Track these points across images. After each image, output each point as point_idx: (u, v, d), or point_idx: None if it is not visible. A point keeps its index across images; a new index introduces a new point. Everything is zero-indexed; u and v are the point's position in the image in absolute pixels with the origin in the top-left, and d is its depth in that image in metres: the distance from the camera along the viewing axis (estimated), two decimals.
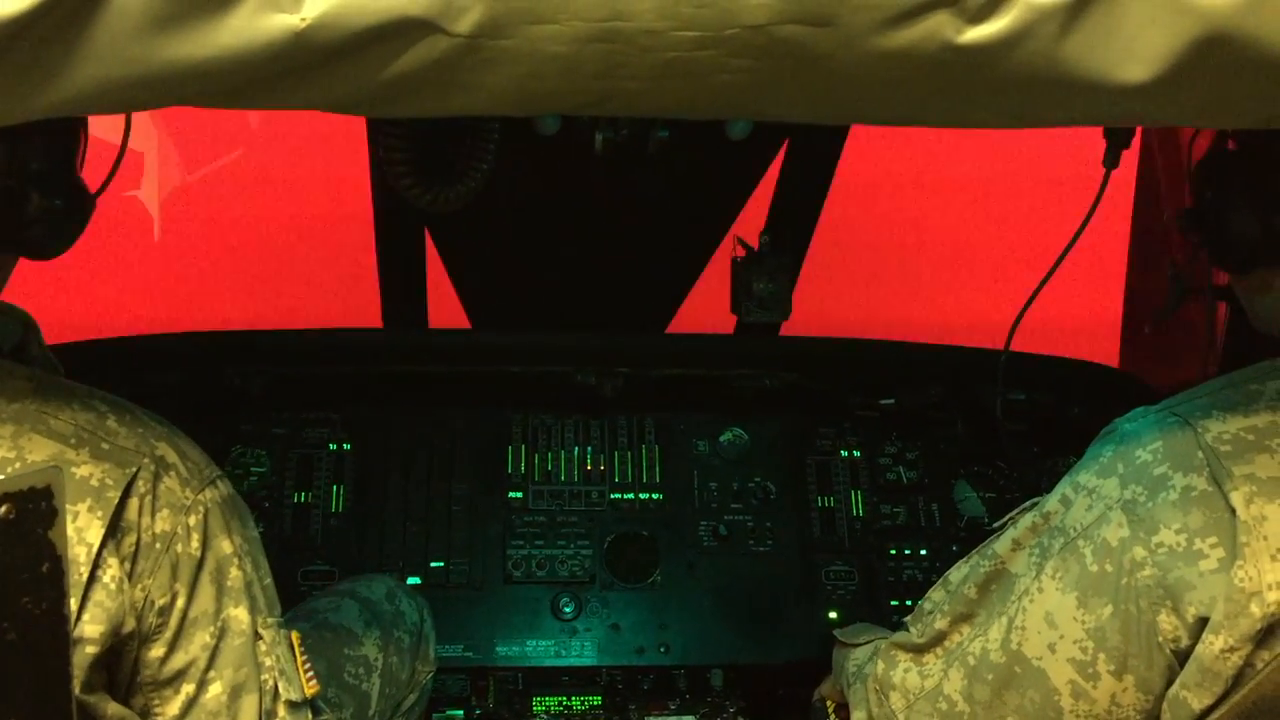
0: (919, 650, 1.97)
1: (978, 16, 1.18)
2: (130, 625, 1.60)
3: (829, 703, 2.56)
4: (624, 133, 2.44)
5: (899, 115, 1.36)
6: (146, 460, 1.62)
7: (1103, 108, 1.31)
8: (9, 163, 1.60)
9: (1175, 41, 1.20)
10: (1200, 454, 1.61)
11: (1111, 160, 1.99)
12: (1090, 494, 1.72)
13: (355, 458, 3.16)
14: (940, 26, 1.18)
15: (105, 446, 1.60)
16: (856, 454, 3.30)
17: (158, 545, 1.62)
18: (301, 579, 3.01)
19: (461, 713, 2.98)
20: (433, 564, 3.08)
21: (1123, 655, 1.66)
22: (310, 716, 1.82)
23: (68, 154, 1.71)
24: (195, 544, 1.67)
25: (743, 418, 3.30)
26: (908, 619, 2.08)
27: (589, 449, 3.25)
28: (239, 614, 1.73)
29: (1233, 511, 1.56)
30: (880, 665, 2.03)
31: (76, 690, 1.51)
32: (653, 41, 1.19)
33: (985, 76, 1.24)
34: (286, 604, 1.97)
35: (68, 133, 1.71)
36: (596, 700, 3.04)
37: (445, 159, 2.25)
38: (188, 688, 1.68)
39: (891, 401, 3.27)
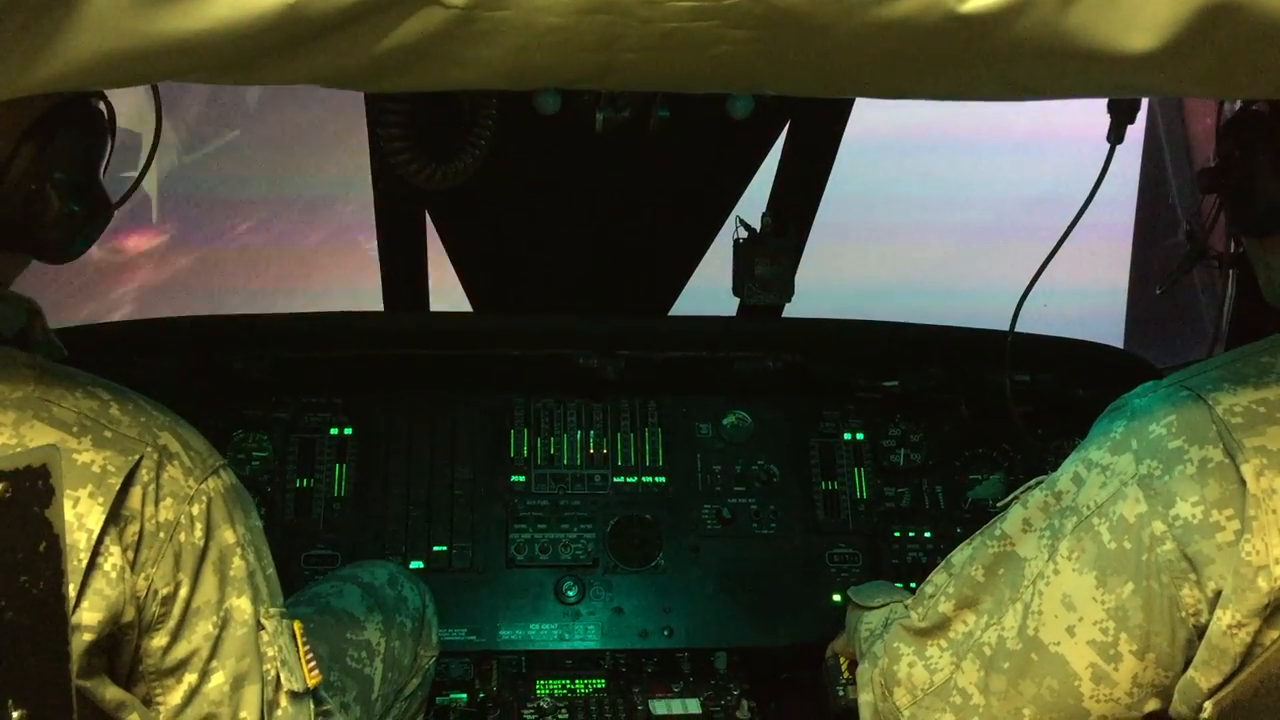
0: (922, 636, 1.93)
1: None
2: (130, 615, 1.59)
3: (843, 659, 2.54)
4: (625, 112, 2.42)
5: (900, 87, 1.34)
6: (149, 449, 1.62)
7: (1107, 78, 1.29)
8: (33, 166, 1.59)
9: (1180, 10, 1.18)
10: (1214, 426, 1.60)
11: (1116, 135, 1.96)
12: (1104, 471, 1.69)
13: (357, 442, 3.16)
14: None
15: (108, 435, 1.59)
16: (860, 436, 3.30)
17: (161, 534, 1.62)
18: (304, 563, 3.01)
19: (465, 696, 2.98)
20: (435, 548, 3.08)
21: (1145, 634, 1.63)
22: (312, 706, 1.81)
23: (92, 160, 1.70)
24: (198, 533, 1.66)
25: (746, 400, 3.29)
26: (907, 603, 2.05)
27: (591, 432, 3.24)
28: (241, 604, 1.72)
29: (1244, 484, 1.54)
30: (884, 659, 1.99)
31: (74, 675, 1.50)
32: (651, 12, 1.18)
33: (987, 47, 1.22)
34: (289, 588, 1.96)
35: (95, 137, 1.70)
36: (600, 683, 3.04)
37: (443, 135, 2.24)
38: (190, 677, 1.68)
39: (895, 383, 3.25)
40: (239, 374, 3.07)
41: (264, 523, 1.85)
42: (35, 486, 1.27)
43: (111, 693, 1.60)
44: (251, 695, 1.71)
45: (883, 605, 2.29)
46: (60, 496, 1.28)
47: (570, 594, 3.06)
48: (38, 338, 1.73)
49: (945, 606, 1.89)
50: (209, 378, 3.06)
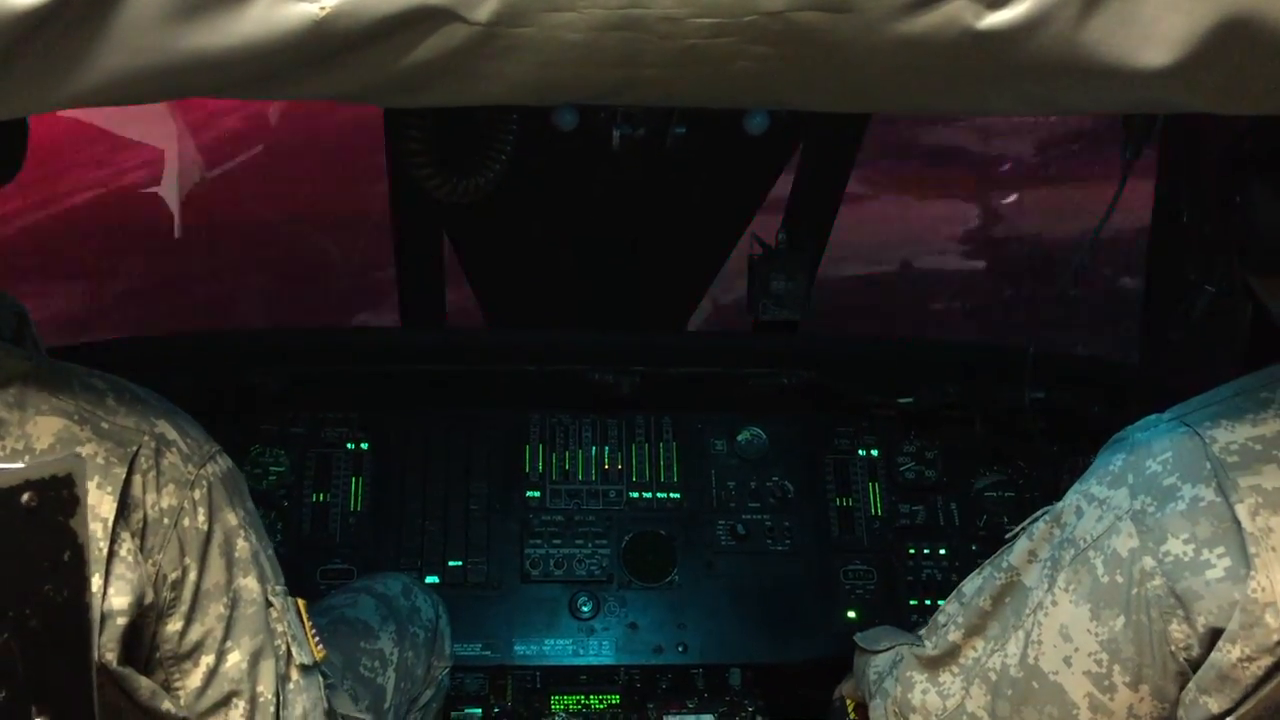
0: (934, 665, 1.96)
1: (997, 2, 1.18)
2: (150, 597, 1.62)
3: (849, 702, 2.55)
4: (641, 130, 2.44)
5: (918, 102, 1.35)
6: (147, 438, 1.63)
7: (1122, 93, 1.30)
8: None
9: (1195, 25, 1.19)
10: (1208, 465, 1.60)
11: (1132, 151, 1.97)
12: (1101, 504, 1.72)
13: (374, 457, 3.17)
14: (959, 12, 1.18)
15: (105, 425, 1.60)
16: (875, 453, 3.29)
17: (165, 521, 1.64)
18: (320, 578, 3.01)
19: (480, 711, 2.98)
20: (451, 563, 3.09)
21: (1137, 666, 1.65)
22: (320, 680, 1.86)
23: None
24: (202, 518, 1.68)
25: (760, 417, 3.29)
26: (921, 632, 2.09)
27: (606, 448, 3.24)
28: (249, 583, 1.75)
29: (1238, 524, 1.55)
30: (898, 688, 2.02)
31: (114, 663, 1.53)
32: (671, 28, 1.19)
33: (1004, 62, 1.24)
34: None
35: None
36: (615, 699, 3.04)
37: (463, 150, 2.26)
38: (207, 659, 1.71)
39: (910, 400, 3.25)
40: (256, 389, 3.08)
41: (280, 537, 1.87)
42: (60, 496, 1.29)
43: (144, 683, 1.62)
44: (267, 670, 1.75)
45: (889, 649, 2.30)
46: (84, 505, 1.29)
47: (585, 609, 3.07)
48: (28, 342, 1.75)
49: (955, 635, 1.93)
50: (226, 392, 3.08)
